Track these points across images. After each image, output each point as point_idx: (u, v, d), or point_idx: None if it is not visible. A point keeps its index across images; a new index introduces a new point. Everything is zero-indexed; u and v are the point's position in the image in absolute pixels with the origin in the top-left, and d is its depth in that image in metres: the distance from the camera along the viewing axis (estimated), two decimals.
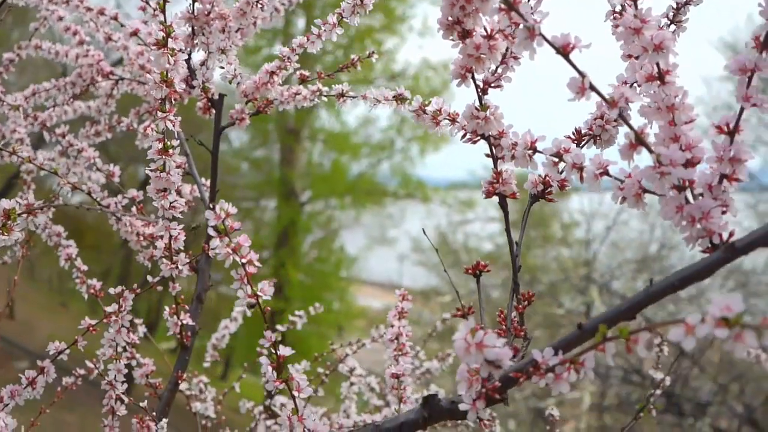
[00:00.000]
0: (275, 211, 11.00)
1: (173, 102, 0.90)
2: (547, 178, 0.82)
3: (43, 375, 1.04)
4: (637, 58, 0.68)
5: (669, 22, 0.89)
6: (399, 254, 11.16)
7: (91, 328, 1.05)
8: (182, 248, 1.03)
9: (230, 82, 1.12)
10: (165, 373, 1.20)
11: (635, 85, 0.72)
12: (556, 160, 0.74)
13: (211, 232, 0.73)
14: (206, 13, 1.10)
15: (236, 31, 1.13)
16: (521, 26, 0.63)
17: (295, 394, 0.76)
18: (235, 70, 1.11)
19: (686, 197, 0.65)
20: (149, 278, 1.10)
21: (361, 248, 11.39)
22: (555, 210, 9.72)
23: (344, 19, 1.01)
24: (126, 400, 1.08)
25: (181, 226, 1.01)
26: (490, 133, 0.77)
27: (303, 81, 1.18)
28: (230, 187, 10.47)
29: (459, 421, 1.65)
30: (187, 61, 1.14)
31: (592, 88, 0.63)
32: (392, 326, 1.08)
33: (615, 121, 0.82)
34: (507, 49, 0.76)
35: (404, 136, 10.86)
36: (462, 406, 0.66)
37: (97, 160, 1.29)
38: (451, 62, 0.75)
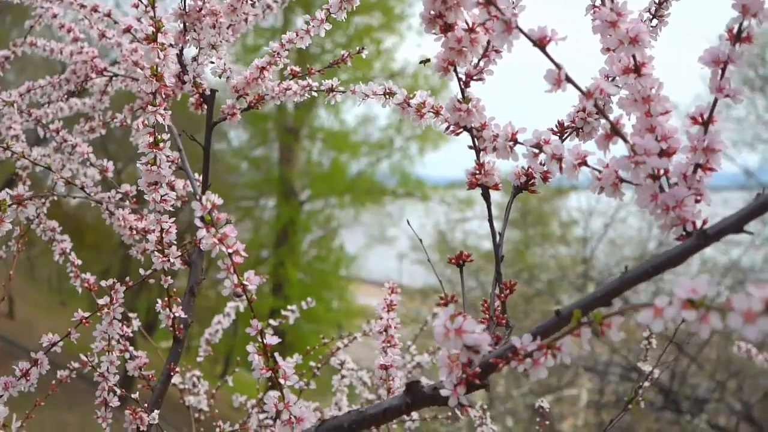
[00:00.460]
0: (274, 210, 11.02)
1: (164, 96, 0.92)
2: (530, 169, 0.83)
3: (36, 367, 1.06)
4: (614, 50, 0.70)
5: (651, 17, 0.90)
6: (398, 253, 11.17)
7: (84, 321, 1.07)
8: (175, 242, 1.05)
9: (220, 77, 1.13)
10: None
11: (616, 77, 0.73)
12: (537, 151, 0.75)
13: (197, 222, 0.74)
14: (198, 9, 1.11)
15: (228, 28, 1.15)
16: (499, 19, 0.64)
17: (282, 381, 0.78)
18: (224, 64, 1.12)
19: (662, 186, 0.66)
20: (141, 271, 1.12)
21: (360, 247, 11.41)
22: (554, 208, 9.74)
23: (332, 15, 1.03)
24: (118, 391, 1.09)
25: (173, 219, 1.03)
26: (473, 125, 0.78)
27: (294, 76, 1.20)
28: (230, 186, 10.49)
29: (450, 418, 1.67)
30: (179, 57, 1.16)
31: (568, 79, 0.65)
32: (381, 318, 1.10)
33: (597, 114, 0.83)
34: (488, 43, 0.77)
35: (403, 134, 10.88)
36: (443, 392, 0.67)
37: (91, 156, 1.30)
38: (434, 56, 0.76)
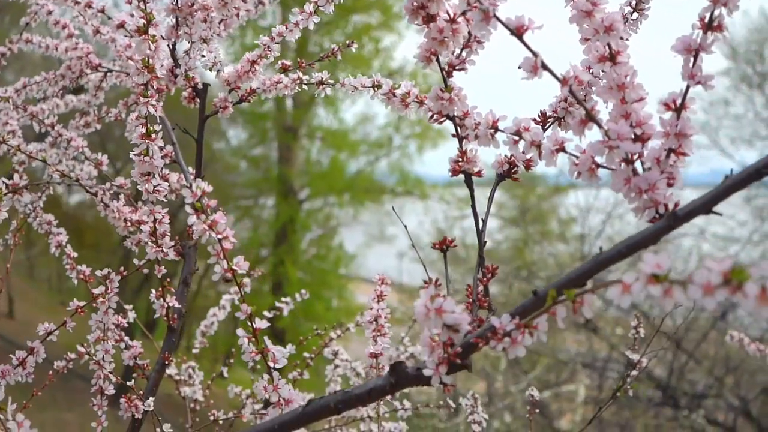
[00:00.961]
0: (274, 208, 11.04)
1: (155, 88, 0.94)
2: (512, 158, 0.85)
3: (33, 356, 1.08)
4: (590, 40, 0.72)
5: (632, 10, 0.92)
6: (398, 251, 11.19)
7: (79, 310, 1.09)
8: (168, 233, 1.07)
9: (210, 70, 1.15)
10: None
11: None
12: (517, 138, 0.77)
13: (188, 209, 0.76)
14: (190, 4, 1.14)
15: (219, 22, 1.17)
16: (477, 8, 0.66)
17: (270, 364, 0.80)
18: (215, 58, 1.14)
19: (636, 170, 0.68)
20: (135, 262, 1.14)
21: (359, 245, 11.43)
22: (553, 206, 9.77)
23: (320, 8, 1.05)
24: (114, 379, 1.11)
25: (166, 209, 1.05)
26: (455, 114, 0.81)
27: (285, 71, 1.22)
28: (229, 185, 10.51)
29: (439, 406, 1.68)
30: (172, 52, 1.18)
31: (545, 67, 0.67)
32: (371, 309, 1.13)
33: (578, 102, 0.85)
34: (470, 33, 0.79)
35: (402, 133, 10.91)
36: (426, 372, 0.70)
37: (86, 150, 1.32)
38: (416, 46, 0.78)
